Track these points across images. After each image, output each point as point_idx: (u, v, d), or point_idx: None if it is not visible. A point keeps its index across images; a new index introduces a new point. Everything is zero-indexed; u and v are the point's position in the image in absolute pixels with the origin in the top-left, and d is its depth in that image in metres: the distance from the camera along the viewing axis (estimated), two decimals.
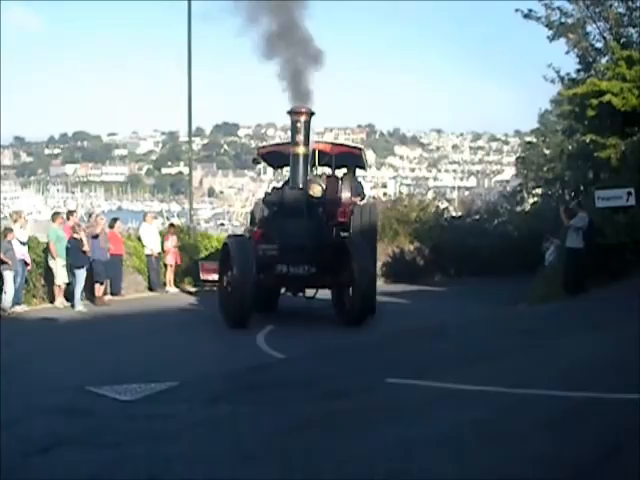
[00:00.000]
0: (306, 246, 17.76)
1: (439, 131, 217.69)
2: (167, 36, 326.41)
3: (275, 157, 21.49)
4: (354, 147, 22.95)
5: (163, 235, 27.46)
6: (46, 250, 21.94)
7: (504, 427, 7.52)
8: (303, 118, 17.92)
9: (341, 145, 22.40)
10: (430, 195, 55.79)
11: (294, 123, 18.07)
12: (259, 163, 23.62)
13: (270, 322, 17.29)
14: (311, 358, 12.94)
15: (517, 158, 53.62)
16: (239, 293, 16.55)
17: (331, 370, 11.47)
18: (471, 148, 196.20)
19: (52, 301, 21.78)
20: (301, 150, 18.00)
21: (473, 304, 21.40)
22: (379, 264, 28.22)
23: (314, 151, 19.58)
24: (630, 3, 30.55)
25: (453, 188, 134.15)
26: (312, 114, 18.14)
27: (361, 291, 17.13)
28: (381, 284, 27.96)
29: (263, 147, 21.87)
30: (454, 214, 42.80)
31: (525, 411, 8.17)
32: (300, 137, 17.94)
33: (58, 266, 21.36)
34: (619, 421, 7.38)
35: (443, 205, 43.34)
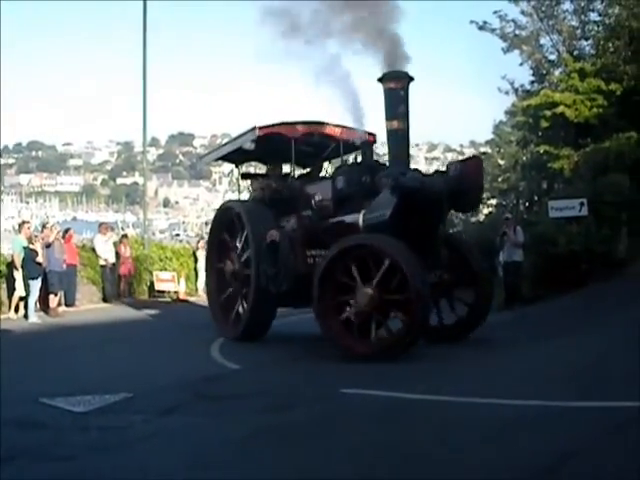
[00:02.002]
0: (437, 245, 14.21)
1: None
2: (122, 45, 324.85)
3: (265, 144, 16.76)
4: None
5: (117, 246, 27.36)
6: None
7: (457, 435, 7.55)
8: (401, 85, 14.14)
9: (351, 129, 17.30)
10: None
11: (389, 91, 14.15)
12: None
13: None
14: (266, 368, 12.91)
15: None
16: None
17: (285, 380, 11.46)
18: (427, 159, 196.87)
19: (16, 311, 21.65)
20: (402, 125, 14.09)
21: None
22: None
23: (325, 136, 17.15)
24: (583, 16, 31.01)
25: None
26: (411, 80, 14.28)
27: (485, 292, 14.83)
28: None
29: (265, 127, 16.53)
30: None
31: (479, 420, 8.21)
32: (401, 109, 14.10)
33: (19, 278, 21.26)
34: (572, 429, 7.42)
35: None
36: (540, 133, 28.64)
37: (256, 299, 15.65)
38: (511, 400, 8.73)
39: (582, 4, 30.80)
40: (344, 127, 16.90)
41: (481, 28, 31.53)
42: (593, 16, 31.02)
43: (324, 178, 17.04)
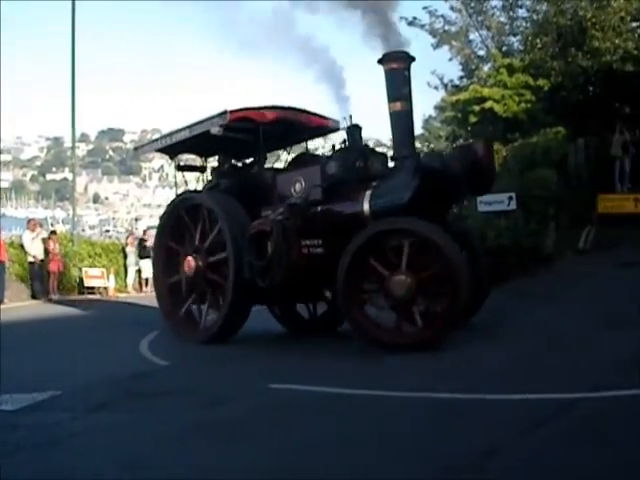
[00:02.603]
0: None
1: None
2: (51, 39, 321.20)
3: (231, 130, 15.50)
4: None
5: (45, 242, 27.06)
6: None
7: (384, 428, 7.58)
8: (403, 65, 13.74)
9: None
10: None
11: (391, 72, 13.74)
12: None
13: (155, 328, 17.09)
14: (195, 365, 12.86)
15: None
16: None
17: (215, 377, 11.43)
18: None
19: None
20: (406, 106, 13.69)
21: None
22: None
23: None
24: (511, 13, 31.37)
25: None
26: (412, 60, 13.86)
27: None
28: None
29: (235, 111, 15.32)
30: None
31: (408, 412, 8.25)
32: (400, 90, 13.68)
33: None
34: (499, 421, 7.49)
35: None
36: (469, 128, 28.85)
37: (235, 295, 14.71)
38: (440, 394, 8.80)
39: (510, 1, 31.11)
40: (313, 114, 16.61)
41: (410, 24, 31.70)
42: (521, 12, 31.44)
43: (304, 165, 15.83)
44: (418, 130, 48.44)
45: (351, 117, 14.82)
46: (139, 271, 31.53)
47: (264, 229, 13.97)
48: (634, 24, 28.38)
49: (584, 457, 6.15)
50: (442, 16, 31.62)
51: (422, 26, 31.54)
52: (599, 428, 6.94)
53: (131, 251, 31.37)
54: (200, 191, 16.89)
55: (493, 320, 14.07)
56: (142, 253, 30.63)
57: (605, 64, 26.33)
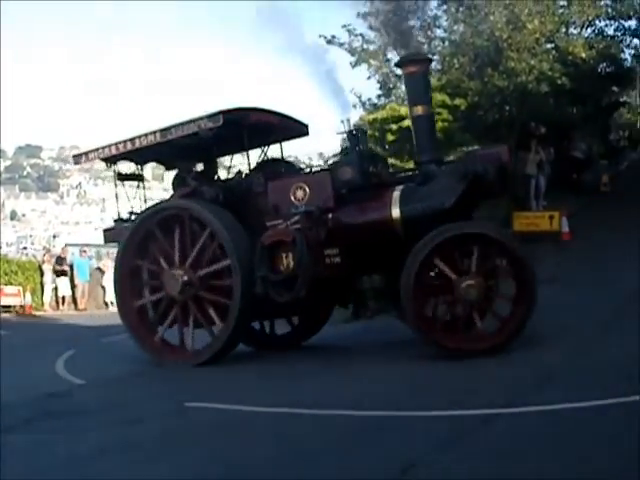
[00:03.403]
0: None
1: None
2: None
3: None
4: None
5: None
6: None
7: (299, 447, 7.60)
8: (421, 68, 13.55)
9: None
10: None
11: (410, 76, 13.55)
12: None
13: (71, 347, 16.92)
14: (111, 384, 12.74)
15: None
16: None
17: (131, 395, 11.35)
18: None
19: None
20: (427, 110, 13.53)
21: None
22: None
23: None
24: (429, 33, 31.57)
25: None
26: (429, 62, 14.05)
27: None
28: None
29: (227, 111, 14.19)
30: None
31: (326, 430, 8.27)
32: (421, 93, 13.52)
33: None
34: (414, 438, 7.54)
35: None
36: (387, 146, 29.01)
37: (241, 312, 13.62)
38: (354, 411, 8.83)
39: (428, 21, 31.40)
40: (283, 115, 15.74)
41: (329, 42, 31.78)
42: (439, 33, 31.71)
43: (273, 171, 15.17)
44: (337, 148, 48.59)
45: (349, 120, 14.49)
46: (56, 289, 31.19)
47: (283, 239, 13.32)
48: (549, 45, 28.89)
49: (501, 471, 6.22)
50: (361, 35, 31.76)
51: (341, 44, 31.63)
52: (514, 443, 7.03)
53: (48, 269, 31.04)
54: (167, 201, 15.40)
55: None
56: (59, 271, 30.30)
57: (521, 84, 26.70)
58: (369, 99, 32.88)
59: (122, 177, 16.47)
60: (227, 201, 14.49)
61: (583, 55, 28.53)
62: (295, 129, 16.36)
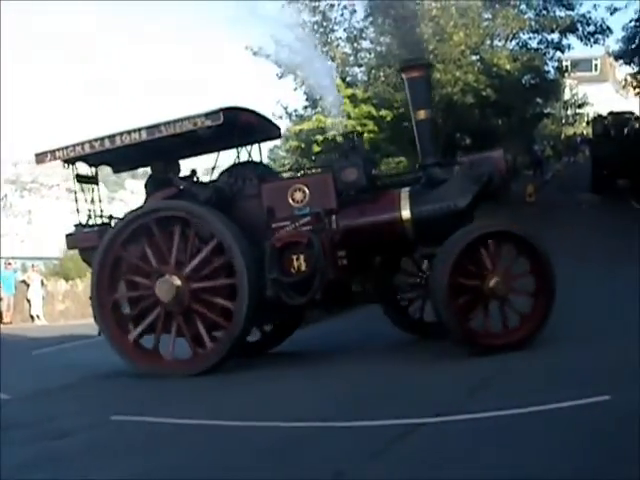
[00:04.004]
0: None
1: None
2: None
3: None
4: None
5: None
6: None
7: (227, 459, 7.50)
8: (423, 73, 13.60)
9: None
10: None
11: (412, 81, 13.57)
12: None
13: None
14: (39, 397, 12.45)
15: None
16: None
17: (57, 409, 11.06)
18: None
19: None
20: (429, 114, 13.55)
21: None
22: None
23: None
24: (356, 44, 31.76)
25: None
26: (430, 67, 14.20)
27: None
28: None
29: (227, 109, 13.71)
30: None
31: (249, 442, 8.17)
32: (423, 98, 13.58)
33: None
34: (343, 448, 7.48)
35: None
36: (313, 157, 29.07)
37: (247, 319, 12.85)
38: (288, 422, 8.74)
39: (355, 33, 31.58)
40: (262, 116, 15.29)
41: (256, 54, 31.83)
42: (365, 44, 31.90)
43: (245, 172, 14.32)
44: (264, 159, 48.65)
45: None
46: None
47: (298, 241, 12.87)
48: (474, 57, 29.23)
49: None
50: (287, 46, 31.81)
51: (267, 56, 31.68)
52: (439, 452, 6.99)
53: None
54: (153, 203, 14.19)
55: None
56: None
57: (446, 96, 26.99)
58: (295, 110, 32.95)
59: (81, 179, 15.10)
60: (219, 203, 13.59)
61: (508, 67, 28.98)
62: (272, 131, 15.99)
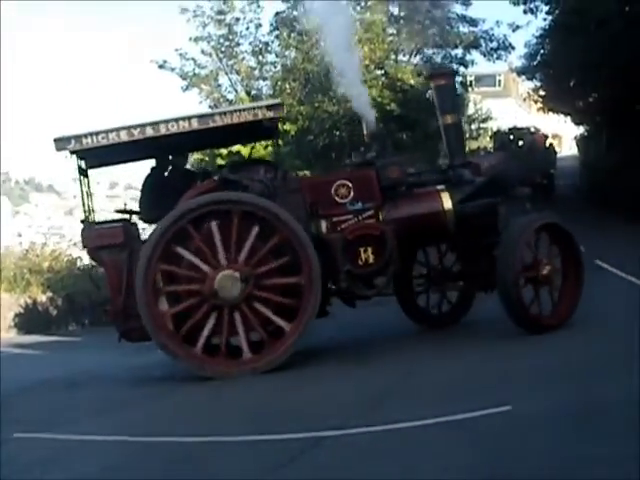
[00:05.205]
0: None
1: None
2: None
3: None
4: None
5: None
6: None
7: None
8: (449, 81, 15.04)
9: None
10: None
11: (440, 88, 14.76)
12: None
13: None
14: None
15: None
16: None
17: None
18: (108, 196, 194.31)
19: None
20: (456, 119, 14.92)
21: (108, 353, 20.69)
22: (11, 314, 27.79)
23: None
24: (261, 57, 31.91)
25: None
26: (455, 74, 15.67)
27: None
28: (14, 335, 28.07)
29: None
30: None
31: (147, 458, 8.06)
32: (450, 103, 14.88)
33: None
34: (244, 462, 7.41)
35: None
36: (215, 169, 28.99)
37: (313, 312, 12.68)
38: (185, 437, 8.63)
39: (260, 46, 31.62)
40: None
41: (161, 67, 31.68)
42: (271, 58, 32.07)
43: (257, 168, 13.91)
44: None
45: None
46: None
47: (371, 233, 12.97)
48: (378, 72, 29.42)
49: None
50: (193, 59, 31.73)
51: (172, 69, 31.57)
52: (342, 466, 6.95)
53: None
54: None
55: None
56: None
57: (351, 109, 27.02)
58: None
59: (83, 172, 13.94)
60: (271, 197, 13.06)
61: (412, 82, 29.24)
62: (271, 130, 14.85)
